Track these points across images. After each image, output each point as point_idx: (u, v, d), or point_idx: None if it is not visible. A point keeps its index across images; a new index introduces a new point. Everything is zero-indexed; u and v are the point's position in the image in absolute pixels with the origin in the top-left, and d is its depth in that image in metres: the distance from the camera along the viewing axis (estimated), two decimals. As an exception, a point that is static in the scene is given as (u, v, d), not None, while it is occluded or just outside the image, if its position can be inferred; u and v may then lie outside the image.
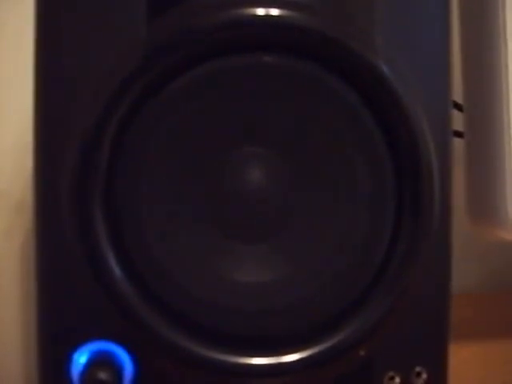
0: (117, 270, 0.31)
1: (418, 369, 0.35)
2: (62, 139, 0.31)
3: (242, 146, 0.33)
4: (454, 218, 0.35)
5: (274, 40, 0.32)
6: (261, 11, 0.31)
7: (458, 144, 0.38)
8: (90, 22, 0.31)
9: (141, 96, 0.31)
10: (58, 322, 0.32)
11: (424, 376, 0.35)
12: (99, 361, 0.32)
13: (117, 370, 0.32)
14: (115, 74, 0.31)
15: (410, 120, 0.32)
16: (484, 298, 0.56)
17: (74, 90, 0.31)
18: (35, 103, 0.32)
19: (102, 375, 0.31)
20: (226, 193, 0.33)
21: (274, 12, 0.31)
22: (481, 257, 0.61)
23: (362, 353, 0.33)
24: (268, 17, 0.31)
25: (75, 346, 0.32)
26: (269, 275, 0.33)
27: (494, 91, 0.39)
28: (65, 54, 0.31)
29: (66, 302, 0.32)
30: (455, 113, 0.38)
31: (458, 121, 0.40)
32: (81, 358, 0.32)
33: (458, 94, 0.40)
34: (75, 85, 0.31)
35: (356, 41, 0.32)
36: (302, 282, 0.33)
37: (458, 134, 0.41)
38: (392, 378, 0.34)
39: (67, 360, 0.32)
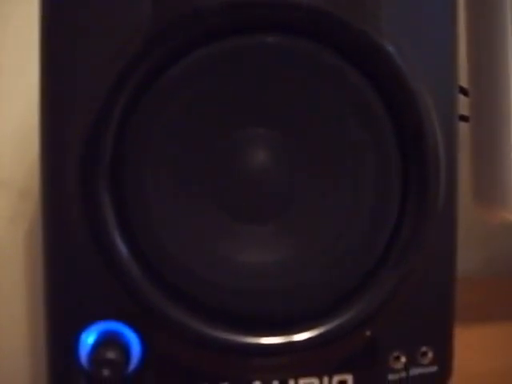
0: (123, 251, 0.31)
1: (423, 349, 0.35)
2: (67, 124, 0.31)
3: (244, 127, 0.33)
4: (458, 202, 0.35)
5: (277, 20, 0.31)
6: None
7: (463, 128, 0.38)
8: (92, 6, 0.31)
9: (144, 79, 0.31)
10: (65, 304, 0.32)
11: (429, 356, 0.35)
12: (107, 341, 0.32)
13: (124, 349, 0.32)
14: (118, 58, 0.31)
15: (416, 100, 0.33)
16: (486, 283, 0.56)
17: (78, 74, 0.31)
18: (40, 89, 0.32)
19: (110, 355, 0.31)
20: (228, 174, 0.33)
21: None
22: (483, 242, 0.61)
23: (368, 333, 0.34)
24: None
25: (83, 326, 0.32)
26: (274, 256, 0.33)
27: (500, 75, 0.39)
28: (68, 39, 0.31)
29: (72, 284, 0.32)
30: (461, 97, 0.38)
31: (463, 105, 0.40)
32: (89, 339, 0.32)
33: (463, 78, 0.40)
34: (79, 70, 0.31)
35: (362, 21, 0.32)
36: (308, 263, 0.33)
37: (464, 119, 0.41)
38: (398, 358, 0.35)
39: (75, 340, 0.32)
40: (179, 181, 0.32)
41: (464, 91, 0.42)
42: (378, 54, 0.32)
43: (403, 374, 0.35)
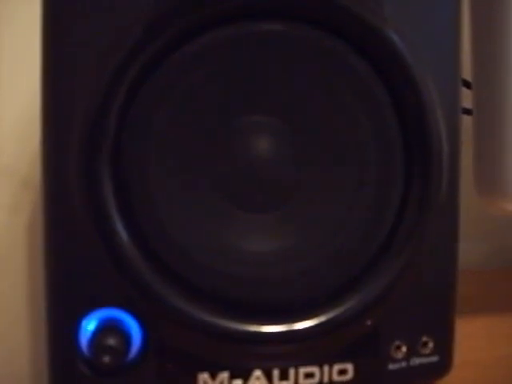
0: (124, 237, 0.31)
1: (424, 338, 0.35)
2: (70, 111, 0.31)
3: (245, 114, 0.33)
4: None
5: (278, 6, 0.31)
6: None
7: (466, 122, 0.38)
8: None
9: (145, 66, 0.31)
10: (65, 290, 0.32)
11: (430, 345, 0.35)
12: (107, 328, 0.32)
13: (125, 336, 0.32)
14: (119, 45, 0.31)
15: (418, 87, 0.33)
16: (487, 275, 0.56)
17: (80, 62, 0.31)
18: (42, 76, 0.32)
19: (111, 342, 0.32)
20: (230, 161, 0.33)
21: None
22: (485, 234, 0.61)
23: (368, 322, 0.34)
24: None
25: (83, 313, 0.32)
26: (275, 244, 0.33)
27: (503, 68, 0.39)
28: (69, 25, 0.31)
29: (73, 270, 0.32)
30: (464, 90, 0.38)
31: (466, 98, 0.40)
32: (89, 325, 0.32)
33: (466, 71, 0.40)
34: (80, 57, 0.31)
35: (366, 10, 0.32)
36: (309, 251, 0.33)
37: (467, 112, 0.41)
38: (399, 347, 0.35)
39: (76, 327, 0.32)
40: (180, 167, 0.32)
41: (467, 84, 0.42)
42: (380, 40, 0.32)
43: (404, 364, 0.35)
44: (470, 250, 0.44)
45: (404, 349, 0.35)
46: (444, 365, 0.36)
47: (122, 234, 0.31)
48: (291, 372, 0.34)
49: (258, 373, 0.34)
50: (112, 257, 0.32)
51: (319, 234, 0.33)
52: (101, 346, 0.32)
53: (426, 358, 0.35)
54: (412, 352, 0.35)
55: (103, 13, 0.31)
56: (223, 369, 0.33)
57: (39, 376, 0.48)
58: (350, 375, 0.34)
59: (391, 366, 0.35)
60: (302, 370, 0.34)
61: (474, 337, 0.43)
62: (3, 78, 0.49)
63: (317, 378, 0.34)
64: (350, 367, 0.34)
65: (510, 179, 0.38)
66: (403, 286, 0.34)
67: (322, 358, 0.34)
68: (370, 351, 0.34)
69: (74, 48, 0.31)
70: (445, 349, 0.35)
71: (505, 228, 0.61)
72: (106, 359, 0.32)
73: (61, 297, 0.32)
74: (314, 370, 0.34)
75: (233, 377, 0.33)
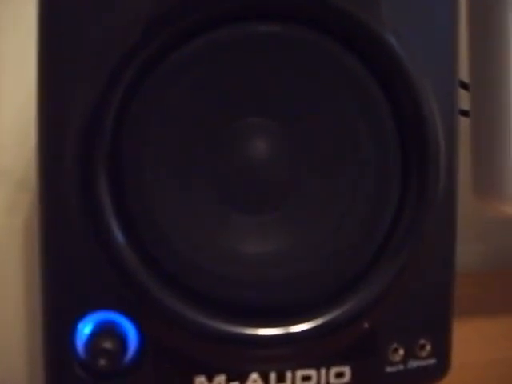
0: (120, 240, 0.31)
1: (421, 341, 0.35)
2: (66, 111, 0.31)
3: (244, 116, 0.33)
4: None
5: (277, 8, 0.31)
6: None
7: (463, 123, 0.38)
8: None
9: (143, 66, 0.31)
10: (61, 293, 0.32)
11: (428, 348, 0.35)
12: (104, 331, 0.32)
13: (121, 339, 0.32)
14: (118, 45, 0.31)
15: (416, 89, 0.33)
16: (484, 277, 0.57)
17: (78, 62, 0.31)
18: (39, 77, 0.31)
19: (107, 345, 0.31)
20: (228, 163, 0.33)
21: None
22: (481, 235, 0.61)
23: (366, 325, 0.34)
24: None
25: (80, 316, 0.32)
26: (273, 246, 0.33)
27: (500, 69, 0.39)
28: (67, 26, 0.31)
29: (69, 273, 0.32)
30: (461, 92, 0.38)
31: (464, 100, 0.40)
32: (85, 329, 0.32)
33: (464, 72, 0.40)
34: (79, 58, 0.31)
35: (361, 10, 0.32)
36: (307, 253, 0.33)
37: (464, 113, 0.41)
38: (396, 350, 0.35)
39: (72, 330, 0.32)
40: (179, 169, 0.32)
41: (465, 86, 0.42)
42: (377, 42, 0.32)
43: (401, 367, 0.35)
44: (466, 252, 0.44)
45: (401, 351, 0.35)
46: (442, 367, 0.36)
47: (119, 235, 0.31)
48: (288, 375, 0.34)
49: (254, 376, 0.34)
50: (108, 259, 0.31)
51: (317, 236, 0.33)
52: (97, 349, 0.31)
53: (423, 360, 0.35)
54: (409, 355, 0.35)
55: (101, 13, 0.31)
56: (220, 372, 0.33)
57: (36, 378, 0.48)
58: (347, 378, 0.34)
59: (388, 369, 0.35)
60: (299, 373, 0.34)
61: (470, 339, 0.43)
62: (1, 80, 0.49)
63: (314, 381, 0.34)
64: (347, 370, 0.34)
65: (508, 181, 0.38)
66: (400, 288, 0.34)
67: (320, 361, 0.34)
68: (367, 354, 0.34)
69: (71, 48, 0.31)
70: (442, 351, 0.35)
71: (501, 230, 0.61)
72: (103, 362, 0.32)
73: (57, 299, 0.32)
74: (311, 372, 0.34)
75: (229, 380, 0.33)
